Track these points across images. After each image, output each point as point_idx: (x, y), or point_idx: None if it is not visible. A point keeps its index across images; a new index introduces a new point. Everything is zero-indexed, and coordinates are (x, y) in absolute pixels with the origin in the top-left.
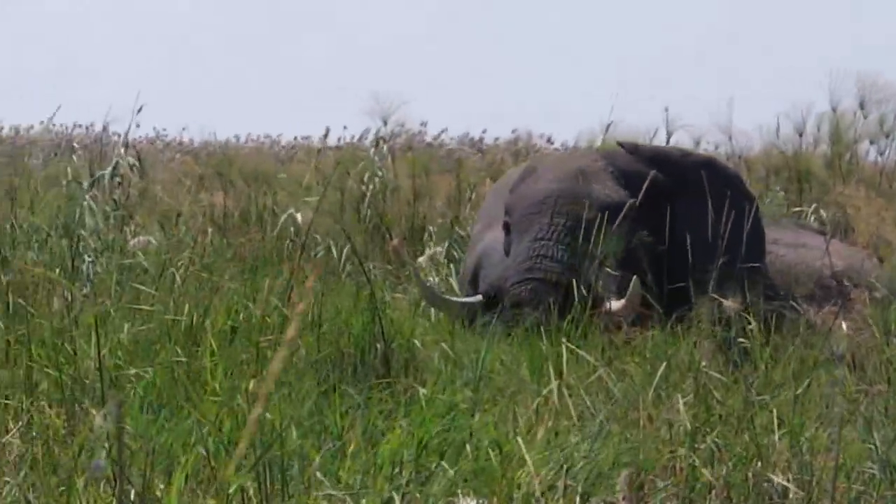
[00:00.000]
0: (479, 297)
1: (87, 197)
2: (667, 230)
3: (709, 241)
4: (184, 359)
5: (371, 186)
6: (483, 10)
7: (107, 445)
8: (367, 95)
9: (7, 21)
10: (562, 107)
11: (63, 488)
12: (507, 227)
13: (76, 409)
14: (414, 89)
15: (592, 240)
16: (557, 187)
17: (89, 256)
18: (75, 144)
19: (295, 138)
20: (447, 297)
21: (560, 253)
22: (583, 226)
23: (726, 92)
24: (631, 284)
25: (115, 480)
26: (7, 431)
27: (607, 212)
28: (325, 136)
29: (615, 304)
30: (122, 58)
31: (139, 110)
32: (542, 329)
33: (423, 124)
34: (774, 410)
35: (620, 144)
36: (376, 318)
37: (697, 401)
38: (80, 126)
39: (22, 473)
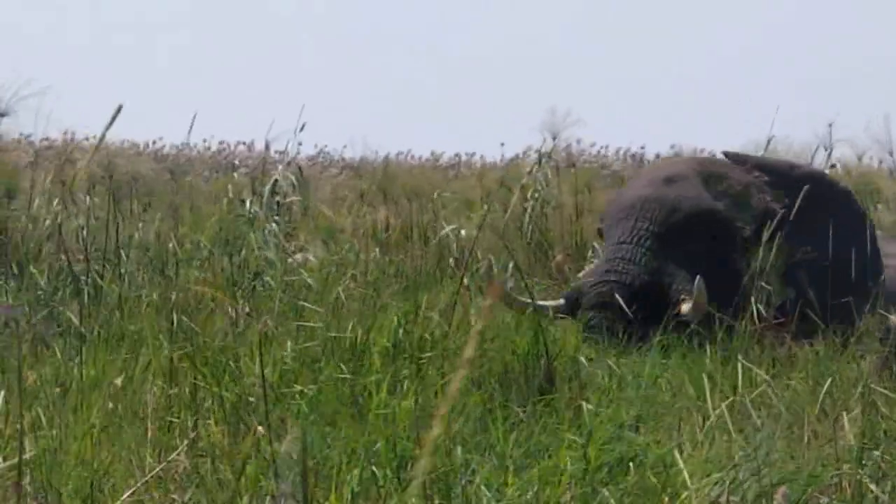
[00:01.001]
0: (562, 301)
1: (249, 214)
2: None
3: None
4: (348, 376)
5: (534, 202)
6: (644, 25)
7: (276, 466)
8: (542, 111)
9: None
10: (724, 121)
11: (238, 490)
12: (600, 233)
13: (240, 427)
14: (577, 105)
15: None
16: (644, 193)
17: (252, 274)
18: (236, 162)
19: (457, 155)
20: (526, 299)
21: (640, 256)
22: (666, 230)
23: (889, 108)
24: (695, 286)
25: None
26: (173, 449)
27: (695, 217)
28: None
29: (684, 307)
30: (285, 75)
31: (301, 128)
32: (707, 344)
33: (592, 144)
34: None
35: (726, 154)
36: (540, 334)
37: (864, 416)
38: (243, 144)
39: (189, 492)
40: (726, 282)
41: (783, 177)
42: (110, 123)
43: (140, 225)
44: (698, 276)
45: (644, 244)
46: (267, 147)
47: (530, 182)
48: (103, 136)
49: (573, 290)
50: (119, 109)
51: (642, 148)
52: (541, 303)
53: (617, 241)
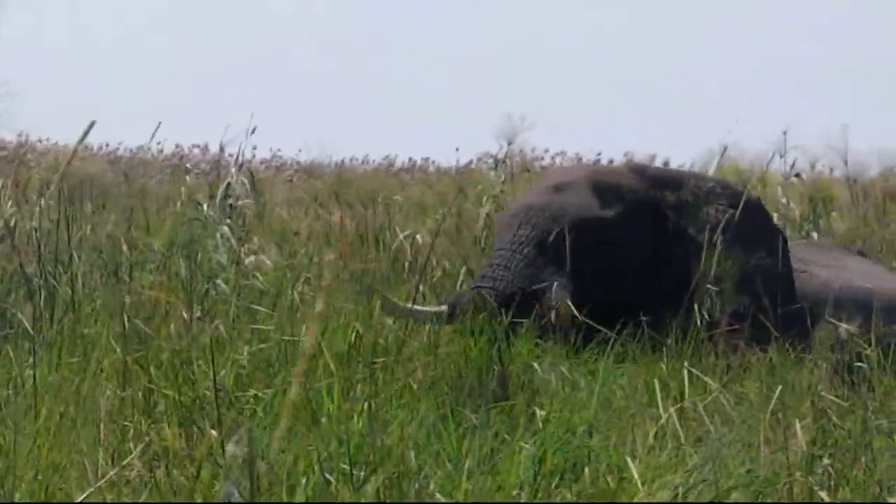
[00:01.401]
0: (444, 307)
1: (203, 217)
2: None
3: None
4: (302, 380)
5: (489, 208)
6: (601, 35)
7: (226, 469)
8: (499, 116)
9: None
10: (680, 130)
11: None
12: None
13: (194, 431)
14: (536, 111)
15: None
16: (530, 201)
17: (207, 278)
18: (188, 165)
19: (411, 160)
20: (408, 305)
21: (516, 263)
22: (549, 237)
23: (843, 116)
24: (554, 292)
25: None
26: (127, 453)
27: (578, 225)
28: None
29: (552, 315)
30: (237, 80)
31: (253, 131)
32: (661, 351)
33: (545, 150)
34: (894, 435)
35: (628, 164)
36: (494, 340)
37: (815, 424)
38: (198, 147)
39: (143, 496)
40: (617, 289)
41: (681, 187)
42: (83, 138)
43: (92, 227)
44: (556, 283)
45: (522, 251)
46: (221, 150)
47: (485, 187)
48: (75, 151)
49: (455, 296)
50: (91, 125)
51: (598, 154)
52: (420, 308)
53: (497, 248)
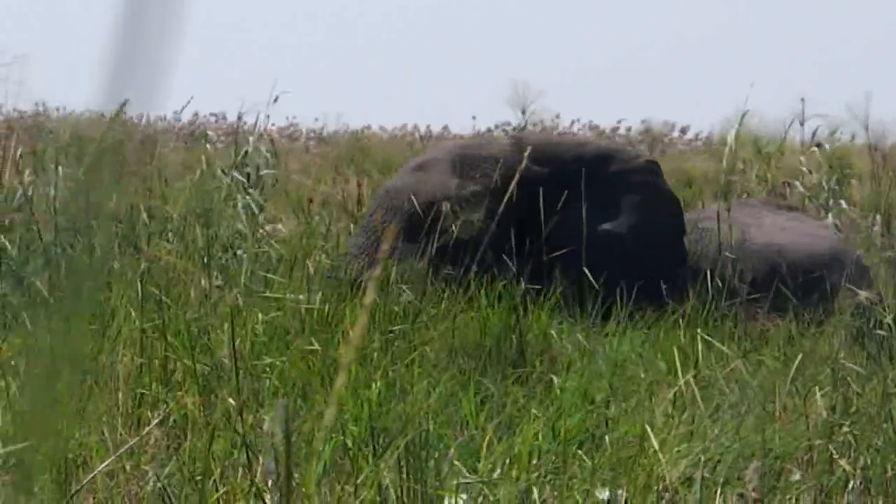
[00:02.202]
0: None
1: (222, 186)
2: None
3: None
4: (318, 347)
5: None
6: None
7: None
8: (505, 86)
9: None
10: (700, 97)
11: (200, 477)
12: None
13: (212, 399)
14: (551, 80)
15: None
16: (394, 182)
17: (225, 246)
18: (210, 133)
19: (428, 128)
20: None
21: (370, 244)
22: (404, 218)
23: (866, 83)
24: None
25: (275, 477)
26: (145, 421)
27: (432, 204)
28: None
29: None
30: (257, 47)
31: (276, 100)
32: (679, 320)
33: (557, 116)
34: None
35: (508, 133)
36: (512, 309)
37: (834, 392)
38: (214, 115)
39: (164, 465)
40: (467, 262)
41: (559, 158)
42: (117, 112)
43: (109, 195)
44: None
45: (371, 237)
46: (239, 118)
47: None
48: (111, 124)
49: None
50: (125, 103)
51: (619, 122)
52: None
53: (352, 235)
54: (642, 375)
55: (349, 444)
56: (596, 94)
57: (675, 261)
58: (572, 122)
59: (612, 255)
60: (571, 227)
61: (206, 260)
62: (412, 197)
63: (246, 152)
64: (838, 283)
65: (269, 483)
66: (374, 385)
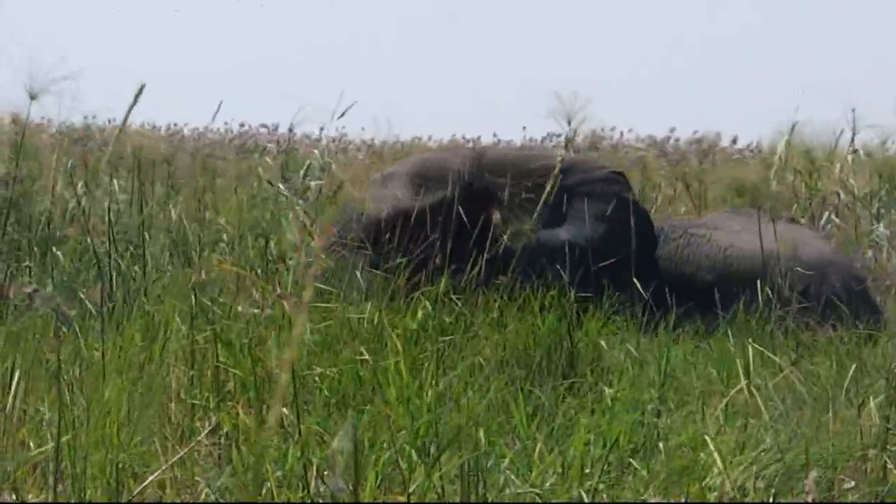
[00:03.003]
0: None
1: (277, 197)
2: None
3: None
4: (367, 357)
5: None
6: (666, 7)
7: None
8: (550, 97)
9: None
10: (751, 107)
11: (253, 487)
12: None
13: (264, 409)
14: (602, 89)
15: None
16: (364, 193)
17: (278, 258)
18: (269, 145)
19: (478, 137)
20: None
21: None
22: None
23: None
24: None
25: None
26: (196, 431)
27: (391, 215)
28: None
29: None
30: (315, 59)
31: (342, 115)
32: (728, 329)
33: (608, 127)
34: None
35: (472, 149)
36: (563, 317)
37: (888, 401)
38: (265, 127)
39: (213, 474)
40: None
41: (520, 170)
42: (133, 103)
43: (162, 207)
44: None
45: (338, 248)
46: (291, 130)
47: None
48: (127, 116)
49: None
50: (141, 89)
51: (671, 131)
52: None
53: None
54: (695, 384)
55: (402, 454)
56: (648, 103)
57: (645, 268)
58: (621, 133)
59: (567, 260)
60: (528, 234)
61: (258, 271)
62: (370, 209)
63: (307, 164)
64: (833, 289)
65: (330, 496)
66: (425, 395)
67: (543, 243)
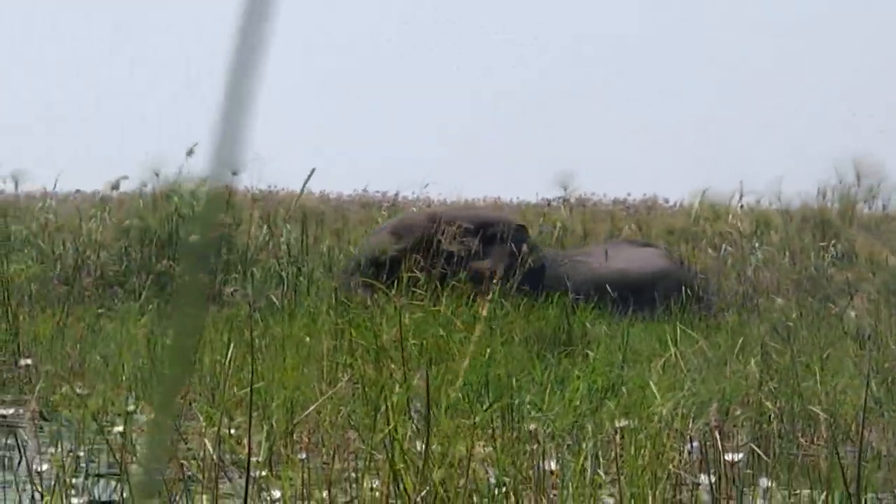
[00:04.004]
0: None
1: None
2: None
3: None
4: (443, 334)
5: (558, 228)
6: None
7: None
8: (553, 171)
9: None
10: (677, 175)
11: (373, 414)
12: None
13: (381, 366)
14: (587, 157)
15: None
16: (360, 244)
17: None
18: (383, 203)
19: (499, 198)
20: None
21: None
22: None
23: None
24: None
25: (409, 409)
26: (338, 380)
27: (377, 257)
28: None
29: None
30: (405, 131)
31: (425, 186)
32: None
33: (592, 193)
34: (812, 366)
35: (428, 212)
36: (563, 309)
37: (763, 360)
38: (378, 192)
39: (349, 407)
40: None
41: (460, 223)
42: (306, 182)
43: (315, 241)
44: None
45: (344, 274)
46: (396, 195)
47: (557, 216)
48: (302, 191)
49: None
50: (312, 172)
51: (628, 194)
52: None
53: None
54: (644, 350)
55: (464, 394)
56: (622, 172)
57: (533, 281)
58: (602, 196)
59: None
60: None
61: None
62: (368, 251)
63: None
64: (668, 290)
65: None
66: (480, 357)
67: (477, 269)
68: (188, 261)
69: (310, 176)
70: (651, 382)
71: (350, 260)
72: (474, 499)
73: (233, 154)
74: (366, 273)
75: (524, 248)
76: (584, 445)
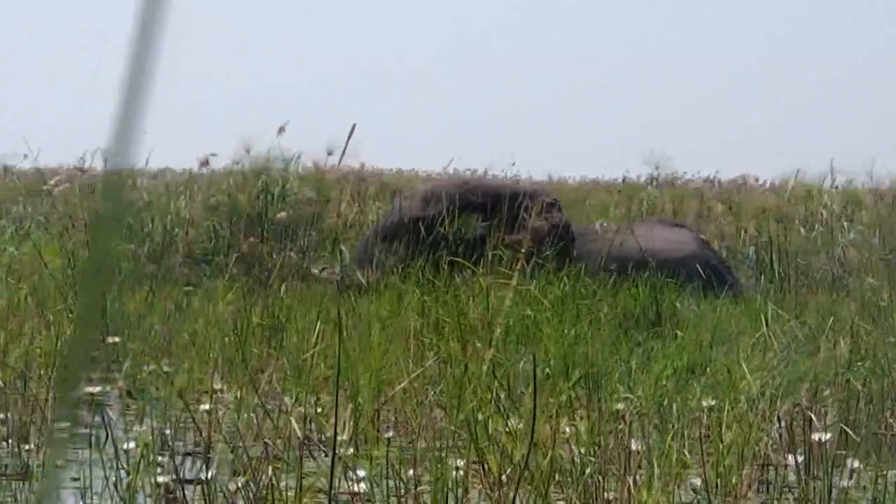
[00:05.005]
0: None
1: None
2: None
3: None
4: (531, 313)
5: (645, 206)
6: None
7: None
8: (644, 152)
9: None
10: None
11: (457, 385)
12: None
13: (467, 343)
14: (677, 135)
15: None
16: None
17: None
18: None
19: (584, 178)
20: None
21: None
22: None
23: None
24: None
25: (494, 380)
26: (425, 359)
27: (408, 222)
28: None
29: None
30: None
31: (513, 164)
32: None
33: (684, 172)
34: None
35: (461, 179)
36: (652, 288)
37: (853, 340)
38: (468, 169)
39: (436, 382)
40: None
41: (492, 194)
42: (349, 138)
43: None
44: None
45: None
46: (485, 173)
47: (646, 195)
48: (345, 148)
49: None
50: (353, 128)
51: (717, 172)
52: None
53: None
54: (732, 329)
55: (551, 371)
56: (716, 151)
57: (561, 256)
58: (694, 175)
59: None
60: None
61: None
62: (396, 216)
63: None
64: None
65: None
66: (567, 335)
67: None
68: (99, 233)
69: (352, 132)
70: (741, 362)
71: (375, 226)
72: (558, 478)
73: (131, 139)
74: (391, 240)
75: (556, 221)
76: (670, 425)
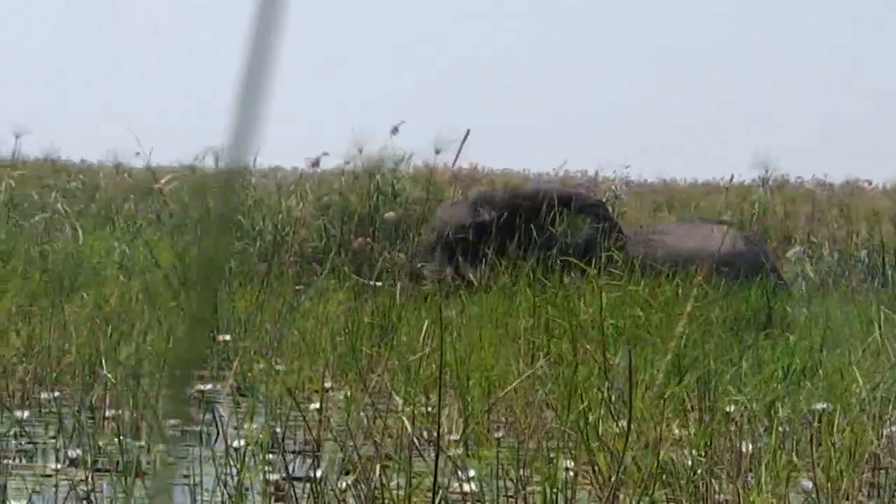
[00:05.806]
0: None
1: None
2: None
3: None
4: (641, 315)
5: (756, 210)
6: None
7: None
8: (750, 153)
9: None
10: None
11: (568, 386)
12: None
13: (577, 346)
14: (787, 138)
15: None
16: (438, 214)
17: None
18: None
19: (696, 180)
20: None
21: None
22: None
23: None
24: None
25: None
26: (536, 359)
27: (456, 227)
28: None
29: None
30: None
31: (627, 167)
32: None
33: (798, 177)
34: None
35: (511, 187)
36: (765, 289)
37: None
38: (578, 171)
39: (545, 383)
40: (480, 258)
41: (534, 198)
42: (462, 143)
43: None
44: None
45: (422, 248)
46: (596, 174)
47: (757, 197)
48: (459, 152)
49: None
50: (467, 133)
51: (825, 175)
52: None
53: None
54: (846, 333)
55: (660, 371)
56: (823, 153)
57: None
58: (802, 176)
59: (568, 253)
60: (546, 237)
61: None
62: (444, 223)
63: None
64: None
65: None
66: (676, 336)
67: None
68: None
69: (465, 137)
70: (853, 366)
71: (430, 230)
72: (666, 479)
73: (248, 138)
74: (450, 245)
75: (606, 224)
76: (779, 428)
